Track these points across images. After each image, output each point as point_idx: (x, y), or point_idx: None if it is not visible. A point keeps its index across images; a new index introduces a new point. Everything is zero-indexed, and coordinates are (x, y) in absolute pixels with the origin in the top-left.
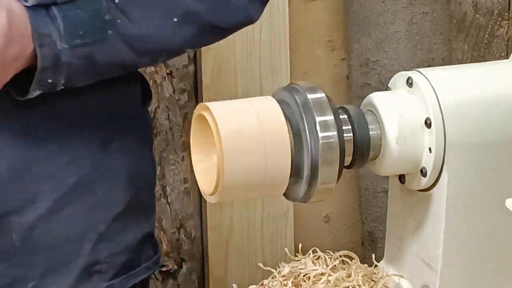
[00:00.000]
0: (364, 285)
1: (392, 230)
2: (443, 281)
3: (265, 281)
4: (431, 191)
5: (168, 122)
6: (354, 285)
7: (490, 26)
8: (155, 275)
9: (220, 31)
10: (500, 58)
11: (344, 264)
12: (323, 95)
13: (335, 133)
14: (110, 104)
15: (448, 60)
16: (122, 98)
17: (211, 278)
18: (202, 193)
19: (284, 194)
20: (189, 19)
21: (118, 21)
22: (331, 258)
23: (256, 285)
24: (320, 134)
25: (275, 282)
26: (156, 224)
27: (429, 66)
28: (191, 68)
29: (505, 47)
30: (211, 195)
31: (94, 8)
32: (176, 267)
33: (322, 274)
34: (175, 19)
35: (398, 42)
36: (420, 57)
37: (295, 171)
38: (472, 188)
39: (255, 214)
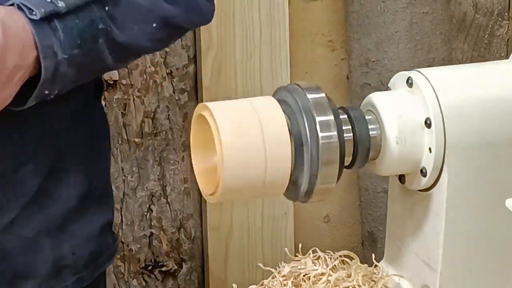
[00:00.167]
0: (364, 285)
1: (392, 230)
2: (443, 281)
3: (265, 281)
4: (431, 191)
5: (168, 122)
6: (354, 285)
7: (490, 26)
8: (155, 275)
9: (184, 32)
10: (500, 58)
11: (344, 264)
12: (323, 95)
13: (335, 133)
14: (62, 98)
15: (448, 60)
16: (73, 91)
17: (211, 278)
18: (202, 193)
19: (284, 194)
20: (167, 23)
21: (108, 29)
22: (331, 258)
23: (256, 285)
24: (320, 134)
25: (275, 282)
26: (156, 224)
27: (429, 66)
28: (191, 68)
29: (505, 47)
30: (211, 195)
31: (90, 17)
32: (176, 267)
33: (322, 274)
34: (154, 24)
35: (398, 42)
36: (420, 57)
37: (295, 171)
38: (472, 188)
39: (255, 214)
